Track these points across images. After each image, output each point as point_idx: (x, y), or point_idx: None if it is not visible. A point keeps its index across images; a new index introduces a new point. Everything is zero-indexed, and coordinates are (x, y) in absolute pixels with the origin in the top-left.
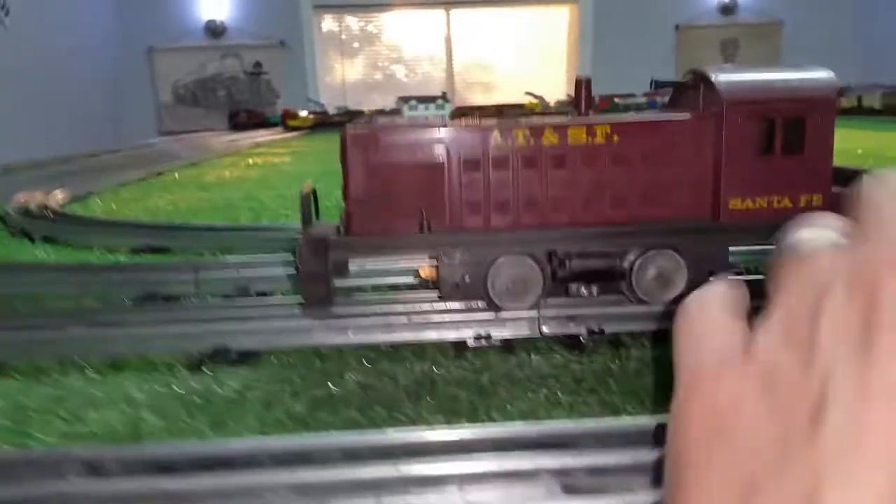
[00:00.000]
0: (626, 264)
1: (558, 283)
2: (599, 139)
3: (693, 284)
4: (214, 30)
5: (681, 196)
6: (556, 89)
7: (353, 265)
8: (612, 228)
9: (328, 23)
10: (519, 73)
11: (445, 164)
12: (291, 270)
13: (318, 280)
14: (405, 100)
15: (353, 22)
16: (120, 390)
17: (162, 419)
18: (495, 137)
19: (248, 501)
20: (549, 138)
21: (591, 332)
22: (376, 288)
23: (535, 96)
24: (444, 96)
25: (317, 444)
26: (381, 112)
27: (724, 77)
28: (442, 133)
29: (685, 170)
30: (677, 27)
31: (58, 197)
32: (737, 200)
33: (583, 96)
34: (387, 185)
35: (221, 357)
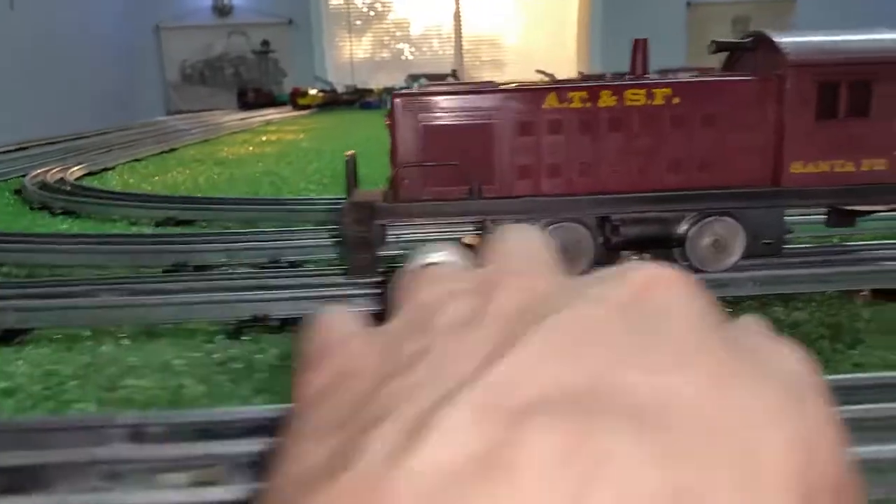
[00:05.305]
0: (680, 231)
1: (610, 251)
2: (658, 101)
3: (748, 251)
4: (221, 8)
5: (741, 160)
6: (567, 67)
7: (392, 235)
8: (667, 193)
9: (335, 0)
10: (529, 51)
11: (496, 128)
12: (323, 241)
13: (364, 247)
14: (414, 77)
15: None
16: (157, 358)
17: (203, 385)
18: (549, 100)
19: None
20: (606, 100)
21: None
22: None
23: (547, 74)
24: (454, 74)
25: None
26: (391, 90)
27: (787, 38)
28: (493, 96)
29: (746, 133)
30: (688, 4)
31: (74, 172)
32: (798, 164)
33: (639, 59)
34: (436, 150)
35: (261, 324)
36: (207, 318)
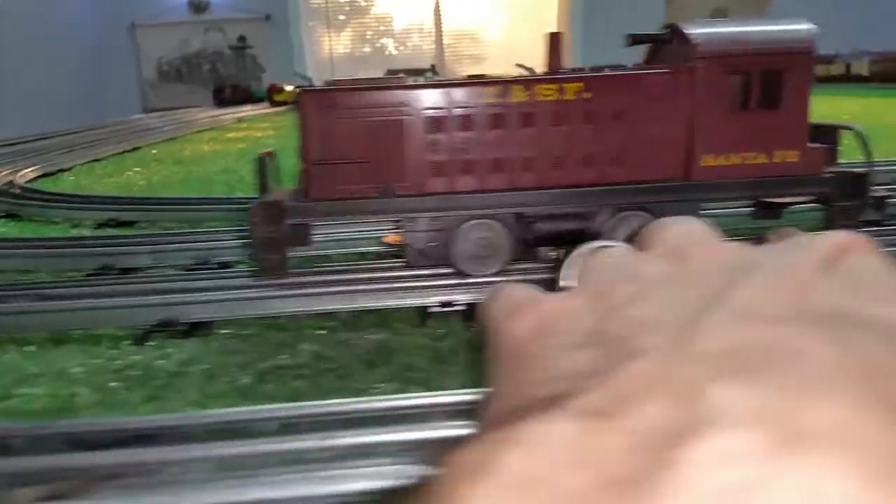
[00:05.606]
0: (596, 226)
1: (526, 247)
2: (570, 96)
3: None
4: (198, 5)
5: (654, 154)
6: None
7: (318, 233)
8: (581, 189)
9: None
10: (510, 45)
11: (408, 125)
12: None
13: (272, 247)
14: (393, 72)
15: None
16: (57, 365)
17: (97, 394)
18: (460, 95)
19: (165, 477)
20: (518, 95)
21: None
22: (344, 257)
23: (526, 68)
24: (433, 69)
25: (247, 417)
26: None
27: (698, 30)
28: (404, 92)
29: (658, 126)
30: None
31: (26, 174)
32: (709, 157)
33: (554, 53)
34: (347, 148)
35: (169, 329)
36: (114, 324)
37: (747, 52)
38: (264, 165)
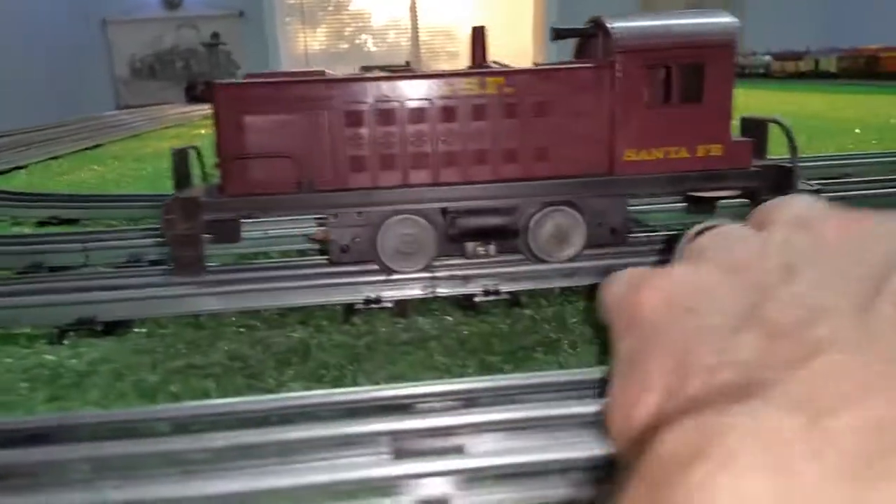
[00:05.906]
0: (522, 220)
1: (453, 243)
2: (491, 90)
3: (592, 240)
4: (170, 1)
5: (578, 149)
6: (524, 58)
7: (256, 230)
8: (503, 184)
9: None
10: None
11: (326, 119)
12: None
13: (187, 244)
14: (367, 69)
15: None
16: None
17: None
18: (380, 89)
19: (44, 479)
20: (439, 90)
21: (486, 293)
22: (285, 253)
23: (502, 65)
24: (407, 65)
25: (130, 417)
26: None
27: (618, 24)
28: (322, 85)
29: (581, 122)
30: None
31: None
32: (631, 152)
33: (477, 48)
34: (263, 142)
35: (86, 328)
36: (32, 324)
37: (667, 46)
38: (182, 160)
